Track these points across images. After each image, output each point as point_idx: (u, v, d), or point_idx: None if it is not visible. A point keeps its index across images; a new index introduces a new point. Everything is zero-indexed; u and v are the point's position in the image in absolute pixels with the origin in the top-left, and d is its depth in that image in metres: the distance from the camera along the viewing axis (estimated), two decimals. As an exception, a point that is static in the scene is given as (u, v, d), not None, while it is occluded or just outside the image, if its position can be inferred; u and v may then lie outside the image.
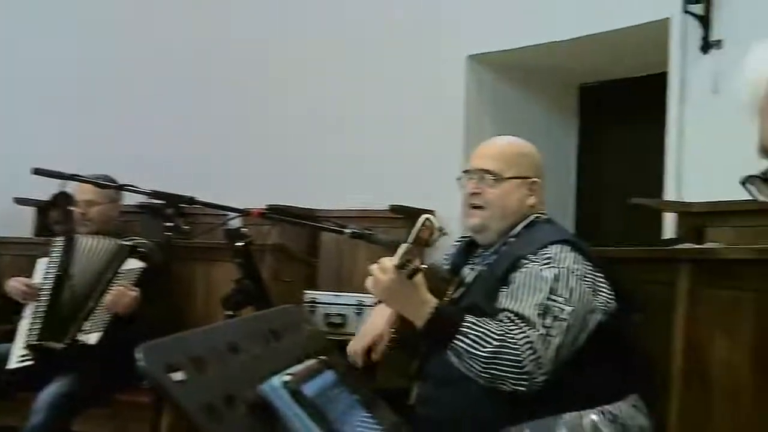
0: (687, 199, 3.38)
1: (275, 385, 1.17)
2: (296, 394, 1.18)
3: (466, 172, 2.05)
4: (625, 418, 1.82)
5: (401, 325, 1.99)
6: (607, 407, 1.81)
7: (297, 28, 4.58)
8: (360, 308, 3.24)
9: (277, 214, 2.32)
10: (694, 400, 1.91)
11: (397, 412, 1.68)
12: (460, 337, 1.71)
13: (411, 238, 1.63)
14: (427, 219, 1.65)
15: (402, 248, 1.65)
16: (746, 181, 0.81)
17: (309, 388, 1.22)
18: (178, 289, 3.17)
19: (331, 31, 4.49)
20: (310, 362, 1.34)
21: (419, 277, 1.72)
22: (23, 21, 4.84)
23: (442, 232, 1.74)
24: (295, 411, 1.17)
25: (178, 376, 1.11)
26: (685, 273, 1.99)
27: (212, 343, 1.27)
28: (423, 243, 1.64)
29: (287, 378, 1.18)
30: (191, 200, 2.18)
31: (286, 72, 4.57)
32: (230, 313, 2.03)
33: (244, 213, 2.19)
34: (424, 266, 1.72)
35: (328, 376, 1.32)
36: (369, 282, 1.76)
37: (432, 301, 1.76)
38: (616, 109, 4.55)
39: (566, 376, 1.75)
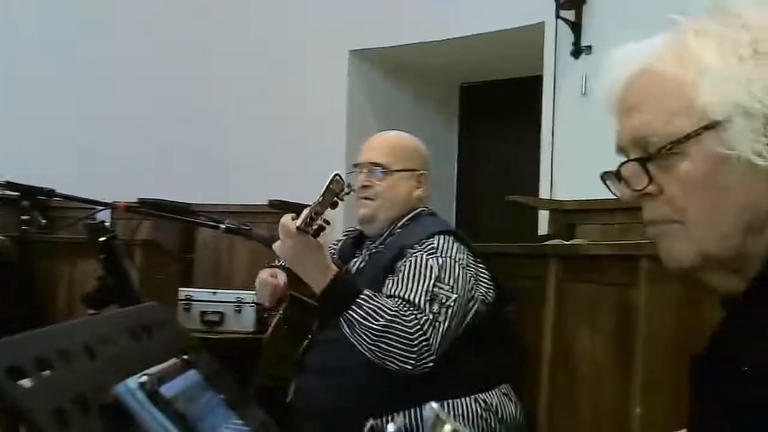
0: (559, 197, 3.53)
1: (131, 386, 1.10)
2: (154, 395, 1.11)
3: (356, 165, 2.07)
4: (498, 405, 1.89)
5: (289, 306, 1.97)
6: (481, 395, 1.86)
7: (180, 23, 4.42)
8: (239, 306, 3.15)
9: (146, 207, 2.20)
10: (561, 386, 1.99)
11: (275, 409, 1.64)
12: (355, 307, 1.73)
13: (321, 193, 1.62)
14: (337, 175, 1.65)
15: (307, 209, 1.64)
16: (604, 177, 0.84)
17: (169, 389, 1.15)
18: (39, 287, 2.97)
19: (214, 28, 4.36)
20: (171, 361, 1.27)
21: (324, 240, 1.72)
22: None
23: (350, 188, 1.76)
24: (152, 413, 1.10)
25: (22, 377, 1.02)
26: (554, 268, 2.07)
27: (63, 342, 1.18)
28: (333, 195, 1.63)
29: (144, 378, 1.11)
30: (50, 192, 2.05)
31: (174, 68, 4.40)
32: (93, 311, 1.91)
33: (109, 206, 2.08)
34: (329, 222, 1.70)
35: (191, 375, 1.25)
36: (276, 245, 1.76)
37: (333, 268, 1.77)
38: (496, 109, 4.69)
39: (442, 365, 1.79)
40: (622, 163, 0.81)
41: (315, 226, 1.65)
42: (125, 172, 4.12)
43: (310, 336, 1.99)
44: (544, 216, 3.59)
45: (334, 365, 1.83)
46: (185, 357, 1.31)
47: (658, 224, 0.80)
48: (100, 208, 2.13)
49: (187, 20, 4.38)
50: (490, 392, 1.90)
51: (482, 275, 1.95)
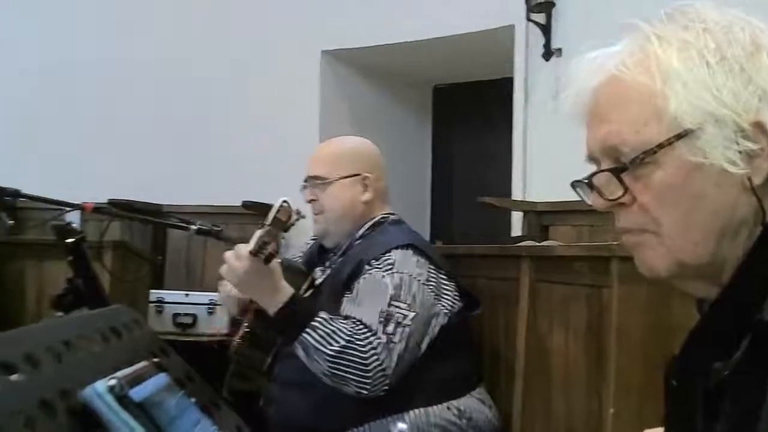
0: (532, 198, 3.55)
1: (99, 390, 1.08)
2: (123, 399, 1.09)
3: (304, 182, 2.04)
4: (472, 411, 1.87)
5: (255, 320, 1.94)
6: (454, 402, 1.85)
7: (148, 23, 4.36)
8: (211, 307, 3.13)
9: (116, 208, 2.17)
10: (535, 390, 1.99)
11: (248, 414, 1.62)
12: (310, 331, 1.69)
13: (268, 220, 1.60)
14: (285, 201, 1.63)
15: (258, 233, 1.61)
16: (575, 185, 0.84)
17: (138, 392, 1.13)
18: (6, 289, 2.92)
19: (185, 24, 4.32)
20: (140, 365, 1.25)
21: (275, 264, 1.68)
22: None
23: (299, 215, 1.72)
24: (121, 416, 1.09)
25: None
26: (527, 269, 2.07)
27: (29, 347, 1.15)
28: (280, 225, 1.61)
29: (113, 382, 1.09)
30: (16, 193, 2.01)
31: (132, 66, 4.34)
32: (61, 314, 1.88)
33: (76, 207, 2.04)
34: (279, 256, 1.68)
35: (161, 378, 1.24)
36: (223, 269, 1.71)
37: (287, 291, 1.73)
38: (469, 110, 4.71)
39: (412, 374, 1.78)
40: (594, 173, 0.81)
41: (265, 253, 1.62)
42: (96, 173, 4.05)
43: (276, 348, 1.96)
44: (517, 217, 3.61)
45: (303, 379, 1.79)
46: (155, 360, 1.29)
47: (633, 233, 0.80)
48: (68, 209, 2.09)
49: (162, 18, 4.33)
50: (462, 398, 1.88)
51: (445, 287, 1.90)
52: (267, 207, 3.74)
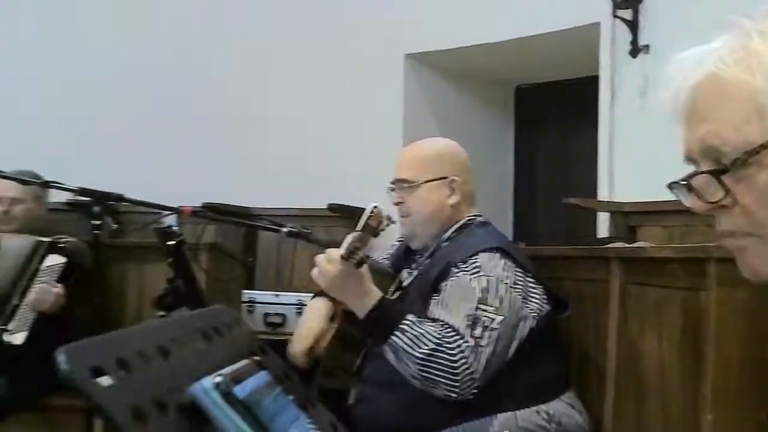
0: (619, 199, 3.47)
1: (206, 386, 1.14)
2: (228, 396, 1.15)
3: (391, 184, 2.06)
4: (561, 416, 1.85)
5: (343, 322, 1.98)
6: (543, 406, 1.83)
7: (238, 27, 4.50)
8: (300, 308, 3.21)
9: (210, 212, 2.26)
10: (627, 394, 1.95)
11: (336, 413, 1.66)
12: (398, 333, 1.70)
13: (359, 226, 1.63)
14: (376, 207, 1.65)
15: (349, 237, 1.64)
16: (671, 187, 0.83)
17: (241, 390, 1.18)
18: (110, 290, 3.08)
19: (272, 30, 4.44)
20: (242, 363, 1.30)
21: (365, 268, 1.71)
22: None
23: (390, 220, 1.74)
24: (226, 413, 1.14)
25: (104, 379, 1.07)
26: (617, 271, 2.04)
27: (141, 345, 1.22)
28: (371, 231, 1.64)
29: (218, 379, 1.15)
30: (120, 198, 2.12)
31: (226, 69, 4.49)
32: (163, 314, 1.98)
33: (175, 211, 2.13)
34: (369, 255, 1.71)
35: (262, 376, 1.29)
36: (314, 272, 1.75)
37: (376, 294, 1.76)
38: (552, 110, 4.64)
39: (501, 377, 1.77)
40: (693, 174, 0.79)
41: (357, 259, 1.65)
42: (189, 178, 4.21)
43: (365, 349, 1.99)
44: (603, 219, 3.54)
45: (392, 379, 1.81)
46: (256, 358, 1.35)
47: (736, 237, 0.78)
48: (167, 212, 2.18)
49: (242, 19, 4.45)
50: (551, 402, 1.86)
51: (532, 290, 1.88)
52: (352, 209, 3.85)
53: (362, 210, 3.96)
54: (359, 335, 1.98)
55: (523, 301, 1.83)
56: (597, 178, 3.66)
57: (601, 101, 3.65)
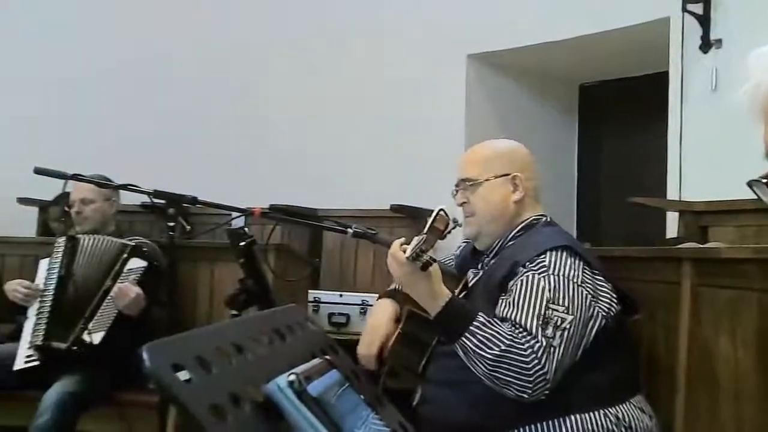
0: (689, 198, 3.38)
1: (281, 384, 1.17)
2: (302, 394, 1.17)
3: (455, 185, 2.06)
4: (630, 419, 1.81)
5: (407, 322, 1.99)
6: (611, 409, 1.80)
7: (297, 29, 4.58)
8: (364, 308, 3.25)
9: (279, 213, 2.31)
10: (699, 399, 1.90)
11: (401, 413, 1.68)
12: (469, 335, 1.70)
13: (426, 229, 1.63)
14: (442, 210, 1.64)
15: (416, 240, 1.64)
16: (751, 184, 0.81)
17: (314, 388, 1.21)
18: (182, 290, 3.17)
19: (331, 31, 4.49)
20: (315, 362, 1.33)
21: (435, 268, 1.71)
22: (24, 23, 4.79)
23: (456, 223, 1.74)
24: (301, 411, 1.16)
25: (183, 375, 1.11)
26: (688, 272, 1.99)
27: (217, 343, 1.26)
28: (437, 234, 1.63)
29: (293, 377, 1.18)
30: (194, 200, 2.18)
31: (286, 72, 4.57)
32: (235, 312, 2.03)
33: (246, 212, 2.18)
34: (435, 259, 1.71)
35: (333, 375, 1.31)
36: (388, 263, 1.78)
37: (445, 294, 1.76)
38: (617, 108, 4.56)
39: (570, 378, 1.75)
40: None
41: (423, 261, 1.65)
42: (254, 180, 4.31)
43: (430, 350, 1.99)
44: (672, 218, 3.46)
45: (458, 378, 1.81)
46: (327, 357, 1.38)
47: None
48: (237, 214, 2.23)
49: (307, 22, 4.52)
50: (621, 405, 1.82)
51: (602, 289, 1.84)
52: (414, 210, 3.85)
53: (424, 210, 3.97)
54: (424, 336, 1.99)
55: (592, 300, 1.80)
56: (665, 177, 3.58)
57: (671, 97, 3.57)
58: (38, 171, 2.28)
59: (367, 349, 2.03)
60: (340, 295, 3.31)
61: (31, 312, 2.87)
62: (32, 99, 4.65)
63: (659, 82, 3.69)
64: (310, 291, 3.32)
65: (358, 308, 3.26)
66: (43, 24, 4.75)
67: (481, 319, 1.73)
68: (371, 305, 3.18)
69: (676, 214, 3.37)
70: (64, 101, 4.71)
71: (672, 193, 3.52)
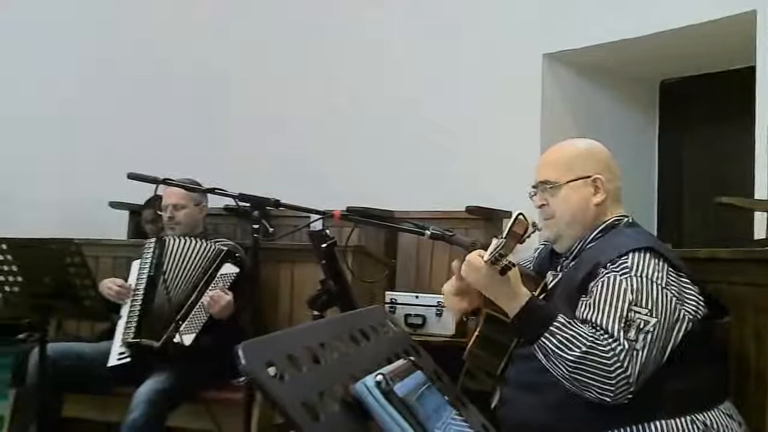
0: (777, 197, 3.26)
1: (369, 384, 1.20)
2: (389, 394, 1.20)
3: (533, 187, 2.04)
4: (718, 426, 1.76)
5: (486, 325, 1.99)
6: (699, 416, 1.75)
7: (373, 26, 4.63)
8: (440, 309, 3.26)
9: (357, 215, 2.34)
10: (791, 406, 1.84)
11: (482, 414, 1.68)
12: (549, 336, 1.70)
13: (504, 233, 1.62)
14: (521, 214, 1.63)
15: (494, 243, 1.64)
16: None
17: (401, 388, 1.23)
18: (264, 290, 3.24)
19: (408, 30, 4.52)
20: (399, 362, 1.36)
21: (514, 271, 1.71)
22: (111, 21, 4.89)
23: (535, 227, 1.73)
24: (388, 411, 1.19)
25: (277, 374, 1.14)
26: (778, 274, 1.92)
27: (306, 342, 1.30)
28: (516, 238, 1.62)
29: (380, 378, 1.21)
30: (277, 203, 2.24)
31: (362, 71, 4.62)
32: (317, 313, 2.07)
33: (326, 215, 2.22)
34: (514, 263, 1.71)
35: (418, 376, 1.34)
36: (464, 270, 1.77)
37: (524, 295, 1.75)
38: (700, 105, 4.43)
39: (655, 382, 1.71)
40: None
41: (502, 265, 1.65)
42: (331, 182, 4.37)
43: (509, 352, 1.99)
44: (759, 218, 3.33)
45: (536, 381, 1.79)
46: (411, 358, 1.40)
47: None
48: (317, 216, 2.28)
49: (387, 28, 4.55)
50: (709, 412, 1.77)
51: (688, 292, 1.79)
52: (490, 211, 3.83)
53: (499, 212, 3.94)
54: (503, 338, 1.98)
55: (677, 303, 1.76)
56: (750, 176, 3.46)
57: (759, 93, 3.44)
58: (132, 176, 2.38)
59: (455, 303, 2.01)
60: (416, 297, 3.33)
61: (124, 310, 2.99)
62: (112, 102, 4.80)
63: (745, 77, 3.56)
64: (386, 292, 3.35)
65: (434, 309, 3.28)
66: (125, 21, 4.88)
67: (562, 320, 1.71)
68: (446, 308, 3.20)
69: (764, 214, 3.25)
70: (145, 103, 4.86)
71: (760, 193, 3.39)
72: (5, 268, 2.61)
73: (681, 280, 1.80)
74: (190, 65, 4.87)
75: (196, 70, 4.87)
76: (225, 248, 3.05)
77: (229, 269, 3.00)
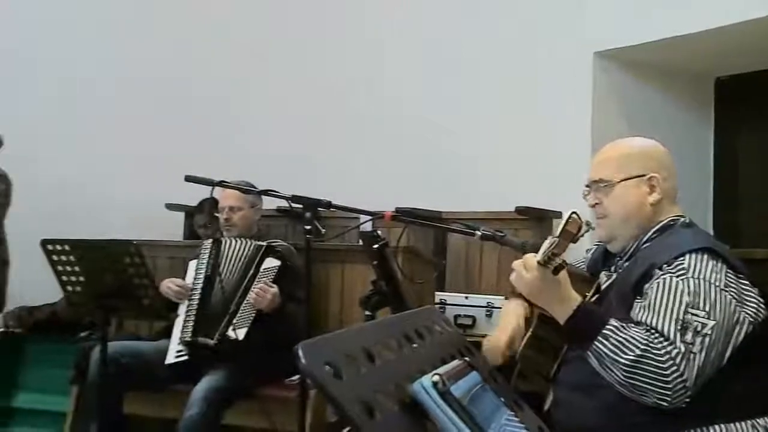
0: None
1: (426, 384, 1.21)
2: (445, 395, 1.21)
3: (587, 186, 2.02)
4: (780, 432, 1.72)
5: (539, 326, 1.97)
6: (760, 420, 1.72)
7: (414, 28, 4.64)
8: (489, 310, 3.26)
9: (407, 216, 2.35)
10: None
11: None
12: (602, 339, 1.67)
13: (557, 232, 1.61)
14: (574, 213, 1.61)
15: (547, 243, 1.63)
16: None
17: (457, 389, 1.24)
18: (316, 289, 3.28)
19: (453, 31, 4.52)
20: (455, 363, 1.37)
21: (564, 273, 1.69)
22: (162, 25, 5.01)
23: (588, 226, 1.71)
24: (445, 411, 1.20)
25: (336, 373, 1.16)
26: (843, 276, 1.86)
27: (363, 342, 1.32)
28: (570, 237, 1.61)
29: (436, 378, 1.22)
30: (328, 204, 2.26)
31: (407, 72, 4.63)
32: (369, 313, 2.09)
33: (377, 216, 2.24)
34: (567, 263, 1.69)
35: (474, 377, 1.34)
36: (513, 277, 1.75)
37: (575, 299, 1.72)
38: (757, 103, 4.32)
39: (714, 386, 1.68)
40: None
41: (554, 265, 1.63)
42: (380, 183, 4.40)
43: (562, 353, 1.97)
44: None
45: (589, 383, 1.76)
46: (467, 359, 1.41)
47: None
48: (368, 217, 2.29)
49: (431, 24, 4.56)
50: None
51: (747, 293, 1.75)
52: (540, 212, 3.79)
53: (549, 212, 3.90)
54: (556, 339, 1.97)
55: (737, 305, 1.72)
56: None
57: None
58: (189, 179, 2.43)
59: (495, 341, 2.03)
60: (466, 297, 3.33)
61: (181, 309, 3.07)
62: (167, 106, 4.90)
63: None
64: (436, 293, 3.36)
65: (483, 310, 3.27)
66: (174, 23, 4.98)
67: (614, 323, 1.69)
68: (497, 307, 3.19)
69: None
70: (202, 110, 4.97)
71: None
72: (68, 268, 2.70)
73: (740, 282, 1.76)
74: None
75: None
76: (264, 243, 3.12)
77: (271, 263, 3.07)
